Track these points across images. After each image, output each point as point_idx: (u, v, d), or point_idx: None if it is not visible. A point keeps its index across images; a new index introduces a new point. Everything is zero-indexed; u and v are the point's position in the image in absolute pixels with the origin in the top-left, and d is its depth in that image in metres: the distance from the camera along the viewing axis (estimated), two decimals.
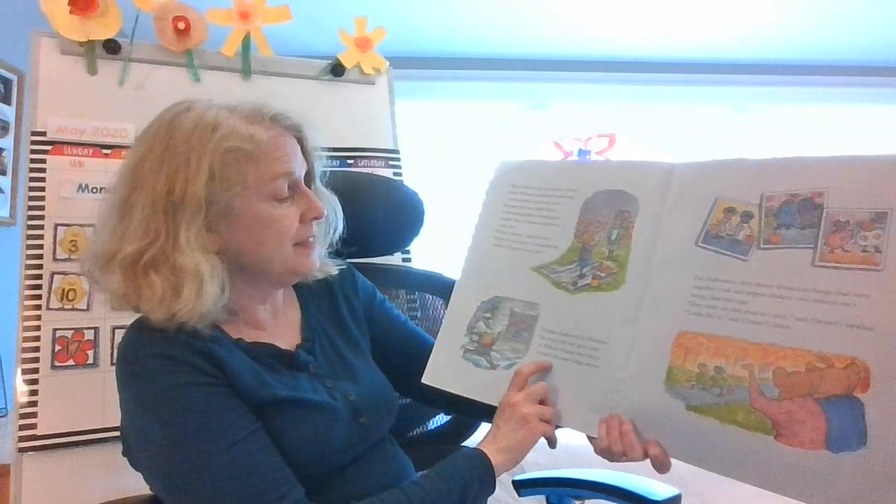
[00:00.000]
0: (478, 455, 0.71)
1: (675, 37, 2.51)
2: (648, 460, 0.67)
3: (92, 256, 0.71)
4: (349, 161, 1.43)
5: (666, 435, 0.65)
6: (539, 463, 1.48)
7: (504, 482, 1.43)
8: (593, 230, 0.77)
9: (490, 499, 0.99)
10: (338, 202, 0.86)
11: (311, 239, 0.76)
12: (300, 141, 0.77)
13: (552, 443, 0.74)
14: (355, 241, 0.90)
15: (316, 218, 0.76)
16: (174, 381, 0.65)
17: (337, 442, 0.73)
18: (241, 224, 0.71)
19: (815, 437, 0.57)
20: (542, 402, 0.73)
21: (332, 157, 1.42)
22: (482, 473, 0.70)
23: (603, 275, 0.74)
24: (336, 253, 0.87)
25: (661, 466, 0.66)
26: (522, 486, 1.03)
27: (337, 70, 1.47)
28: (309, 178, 0.79)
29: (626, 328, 0.70)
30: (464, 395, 0.78)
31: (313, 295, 0.86)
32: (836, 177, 0.63)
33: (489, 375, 0.78)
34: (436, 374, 0.81)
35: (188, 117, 0.70)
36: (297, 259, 0.75)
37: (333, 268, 0.86)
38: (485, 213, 0.87)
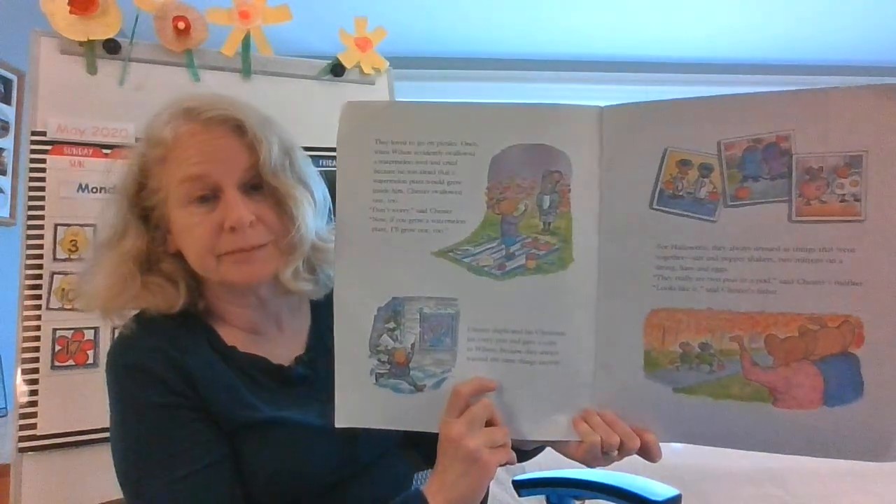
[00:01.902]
0: None
1: (675, 37, 2.51)
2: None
3: (84, 264, 0.77)
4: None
5: (654, 421, 0.60)
6: (539, 463, 1.48)
7: (504, 482, 1.43)
8: (513, 196, 0.61)
9: (490, 499, 0.99)
10: (320, 195, 0.75)
11: (236, 249, 0.66)
12: (240, 132, 0.67)
13: (513, 464, 0.63)
14: None
15: (233, 228, 0.65)
16: (143, 399, 0.65)
17: (319, 464, 0.69)
18: (174, 231, 0.70)
19: (812, 396, 0.56)
20: (489, 423, 0.60)
21: (331, 157, 1.42)
22: None
23: (541, 252, 0.61)
24: None
25: (656, 454, 0.61)
26: (522, 486, 1.03)
27: (337, 70, 1.47)
28: (259, 173, 0.68)
29: (584, 313, 0.61)
30: (395, 428, 0.64)
31: (327, 302, 0.76)
32: (802, 116, 0.56)
33: (417, 400, 0.62)
34: (350, 412, 0.63)
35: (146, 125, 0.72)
36: (224, 270, 0.67)
37: (308, 284, 0.73)
38: (346, 186, 0.64)
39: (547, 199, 0.61)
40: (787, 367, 0.57)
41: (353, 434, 0.67)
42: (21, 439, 1.11)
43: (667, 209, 0.59)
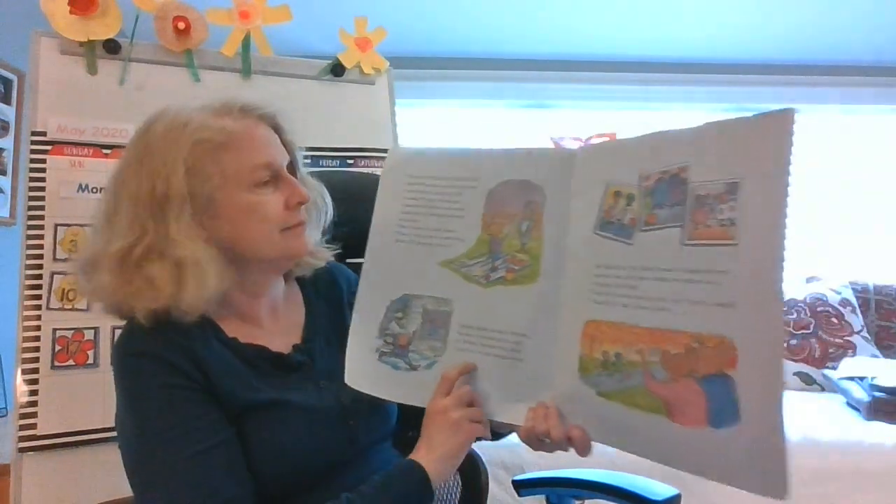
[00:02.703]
0: (414, 467, 0.70)
1: (674, 37, 2.51)
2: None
3: (80, 263, 0.73)
4: (349, 161, 1.44)
5: (584, 420, 0.67)
6: (539, 463, 1.48)
7: (504, 482, 1.43)
8: (501, 221, 0.75)
9: (490, 499, 0.99)
10: (325, 190, 0.86)
11: (299, 223, 0.77)
12: (277, 131, 0.78)
13: (488, 439, 0.74)
14: (356, 242, 0.90)
15: (300, 203, 0.76)
16: (153, 381, 0.67)
17: (320, 444, 0.73)
18: (225, 215, 0.72)
19: (698, 415, 0.58)
20: (470, 405, 0.72)
21: (332, 158, 1.43)
22: (420, 486, 0.69)
23: (517, 267, 0.73)
24: (332, 242, 0.87)
25: (582, 449, 0.67)
26: (522, 486, 1.02)
27: (337, 70, 1.47)
28: (292, 167, 0.80)
29: (545, 320, 0.70)
30: (388, 399, 0.76)
31: (319, 294, 0.86)
32: (697, 149, 0.61)
33: (411, 377, 0.75)
34: (356, 378, 0.77)
35: (162, 121, 0.72)
36: (286, 242, 0.75)
37: (328, 253, 0.86)
38: (382, 207, 0.81)
39: (525, 224, 0.74)
40: (676, 381, 0.59)
41: (350, 416, 0.76)
42: (21, 439, 1.12)
43: (604, 234, 0.67)
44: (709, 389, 0.57)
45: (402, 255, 0.79)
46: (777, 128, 0.57)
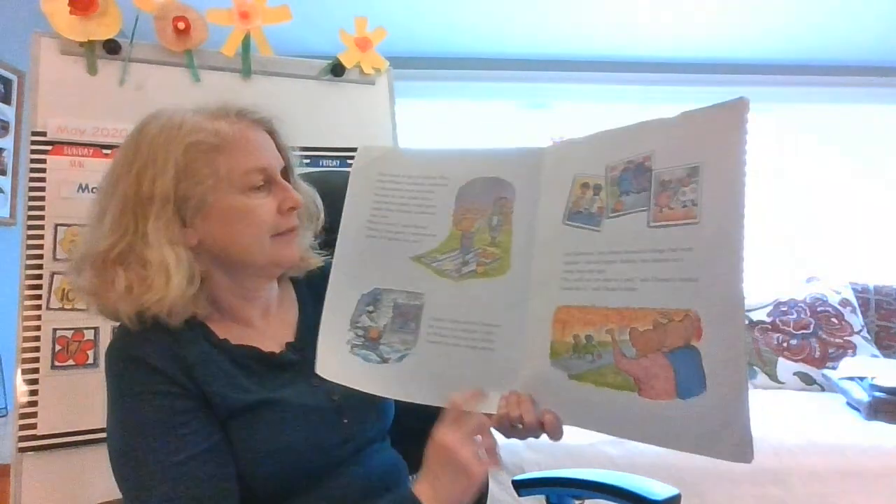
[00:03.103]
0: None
1: (674, 37, 2.51)
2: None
3: (72, 263, 0.73)
4: (349, 161, 1.43)
5: (556, 404, 0.68)
6: (539, 463, 1.48)
7: (504, 482, 1.43)
8: (472, 217, 0.78)
9: (490, 499, 0.99)
10: (318, 196, 0.86)
11: (291, 229, 0.76)
12: (272, 135, 0.78)
13: (499, 468, 0.74)
14: None
15: (293, 208, 0.76)
16: (139, 387, 0.67)
17: (313, 442, 0.73)
18: (217, 217, 0.71)
19: (667, 387, 0.61)
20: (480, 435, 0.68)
21: (331, 158, 1.43)
22: None
23: (488, 261, 0.75)
24: (323, 244, 0.87)
25: (555, 433, 0.68)
26: (522, 486, 1.02)
27: (337, 70, 1.47)
28: (286, 172, 0.80)
29: (516, 310, 0.72)
30: (359, 389, 0.76)
31: (312, 293, 0.86)
32: (660, 139, 0.66)
33: (382, 370, 0.76)
34: (326, 368, 0.78)
35: (156, 123, 0.72)
36: (276, 249, 0.75)
37: (318, 259, 0.85)
38: (352, 203, 0.84)
39: (495, 219, 0.77)
40: (645, 357, 0.63)
41: (343, 413, 0.77)
42: (21, 439, 1.12)
43: (572, 223, 0.71)
44: (676, 362, 0.61)
45: (372, 250, 0.81)
46: (733, 116, 0.62)
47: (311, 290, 0.86)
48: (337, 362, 0.78)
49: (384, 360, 0.76)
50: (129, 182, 0.70)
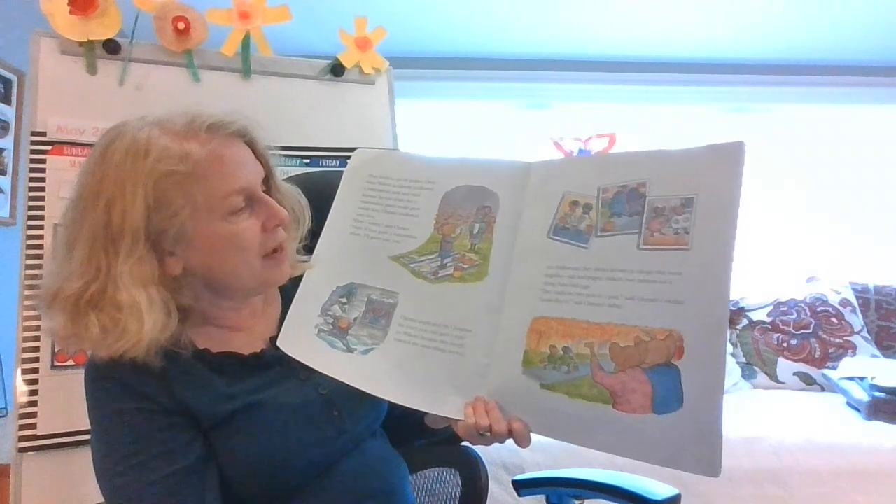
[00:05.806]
0: None
1: (674, 37, 2.51)
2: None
3: (40, 293, 0.68)
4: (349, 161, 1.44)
5: (525, 413, 0.69)
6: (539, 463, 1.48)
7: (504, 482, 1.43)
8: (454, 222, 0.79)
9: (490, 499, 0.99)
10: (301, 194, 0.84)
11: (279, 248, 0.74)
12: (250, 144, 0.74)
13: None
14: None
15: (279, 225, 0.73)
16: (117, 406, 0.66)
17: (306, 438, 0.72)
18: (200, 246, 0.68)
19: (643, 402, 0.63)
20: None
21: (331, 158, 1.43)
22: None
23: (465, 266, 0.76)
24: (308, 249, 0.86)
25: (522, 440, 0.69)
26: (522, 486, 1.02)
27: (337, 70, 1.47)
28: (268, 180, 0.76)
29: (490, 317, 0.73)
30: (319, 370, 0.75)
31: (295, 287, 0.84)
32: (656, 169, 0.70)
33: (346, 358, 0.76)
34: (290, 345, 0.77)
35: (120, 143, 0.67)
36: (267, 271, 0.73)
37: (307, 266, 0.83)
38: (341, 201, 0.85)
39: (477, 226, 0.78)
40: (624, 372, 0.64)
41: (333, 406, 0.76)
42: (21, 439, 1.12)
43: (557, 238, 0.73)
44: (655, 378, 0.63)
45: (354, 246, 0.82)
46: (730, 156, 0.65)
47: (295, 285, 0.84)
48: (301, 341, 0.78)
49: (349, 350, 0.76)
50: (97, 215, 0.65)
